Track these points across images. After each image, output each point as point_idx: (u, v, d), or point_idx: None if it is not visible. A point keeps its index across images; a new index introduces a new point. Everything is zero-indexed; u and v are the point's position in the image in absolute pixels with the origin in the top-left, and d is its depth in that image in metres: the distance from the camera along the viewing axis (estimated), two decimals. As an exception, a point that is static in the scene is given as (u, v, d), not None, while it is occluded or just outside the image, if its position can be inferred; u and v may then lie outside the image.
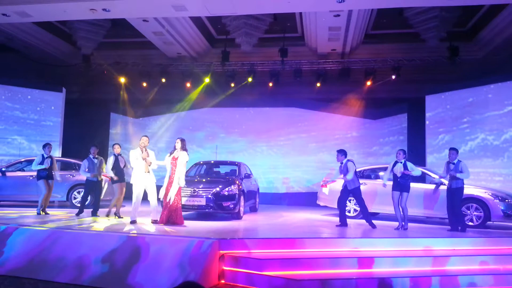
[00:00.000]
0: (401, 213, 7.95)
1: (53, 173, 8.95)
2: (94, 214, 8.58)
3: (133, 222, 7.57)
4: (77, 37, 12.75)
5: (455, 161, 7.89)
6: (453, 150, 8.03)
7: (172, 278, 5.13)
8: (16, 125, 12.93)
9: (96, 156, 8.83)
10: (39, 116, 13.32)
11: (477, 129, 11.57)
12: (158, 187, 7.89)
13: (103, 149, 11.83)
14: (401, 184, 7.90)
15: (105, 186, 9.92)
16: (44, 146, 8.97)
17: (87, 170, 8.73)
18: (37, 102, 13.33)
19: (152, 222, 7.69)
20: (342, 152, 8.41)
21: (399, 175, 7.89)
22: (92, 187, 8.79)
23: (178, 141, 7.76)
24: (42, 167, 8.70)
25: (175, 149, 7.76)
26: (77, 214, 8.67)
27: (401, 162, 7.95)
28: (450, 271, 5.68)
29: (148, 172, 7.77)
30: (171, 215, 7.56)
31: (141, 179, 7.69)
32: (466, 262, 5.94)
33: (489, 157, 11.13)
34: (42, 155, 8.81)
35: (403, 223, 7.89)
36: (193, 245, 5.55)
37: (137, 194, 7.69)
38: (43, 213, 8.67)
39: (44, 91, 13.45)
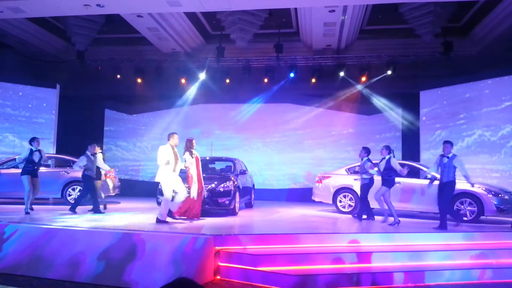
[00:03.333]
0: (385, 208, 8.15)
1: (48, 163, 9.05)
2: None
3: (164, 222, 7.26)
4: (71, 33, 12.64)
5: (450, 155, 7.69)
6: (448, 144, 7.80)
7: (167, 274, 5.13)
8: (8, 122, 12.80)
9: (95, 152, 8.94)
10: (30, 113, 13.19)
11: (474, 125, 11.57)
12: None
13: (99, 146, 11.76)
14: (383, 179, 8.13)
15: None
16: (32, 140, 8.70)
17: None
18: (28, 98, 13.20)
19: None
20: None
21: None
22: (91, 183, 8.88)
23: (194, 141, 8.04)
24: (23, 158, 8.48)
25: (191, 148, 7.95)
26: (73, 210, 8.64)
27: (385, 158, 8.16)
28: (444, 265, 5.72)
29: (175, 171, 7.50)
30: (191, 209, 7.80)
31: (172, 178, 7.38)
32: (460, 257, 5.99)
33: (486, 153, 11.12)
34: (31, 149, 8.56)
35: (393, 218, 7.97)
36: (189, 242, 5.55)
37: (169, 193, 7.33)
38: (30, 212, 8.36)
39: (36, 88, 13.29)
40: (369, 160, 8.61)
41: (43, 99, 13.43)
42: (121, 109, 15.72)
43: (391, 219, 8.02)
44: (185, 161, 7.83)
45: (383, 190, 8.08)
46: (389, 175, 8.07)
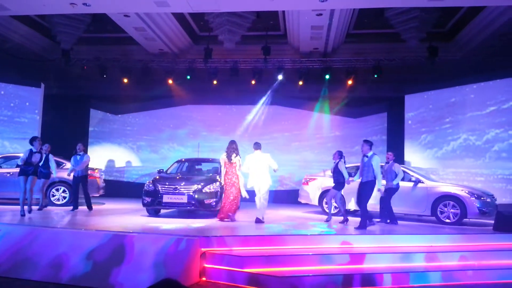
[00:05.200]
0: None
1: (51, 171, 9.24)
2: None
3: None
4: (56, 31, 12.46)
5: (369, 154, 7.73)
6: (364, 143, 7.90)
7: (152, 276, 5.09)
8: (-12, 122, 12.57)
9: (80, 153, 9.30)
10: (12, 112, 12.92)
11: (459, 129, 11.74)
12: None
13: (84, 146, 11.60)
14: (334, 182, 8.76)
15: None
16: (33, 140, 8.19)
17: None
18: (10, 97, 12.94)
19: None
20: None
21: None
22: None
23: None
24: (22, 159, 7.91)
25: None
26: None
27: (336, 162, 8.73)
28: (427, 267, 5.80)
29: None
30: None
31: None
32: (443, 258, 6.07)
33: (471, 157, 11.30)
34: (30, 150, 8.03)
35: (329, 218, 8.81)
36: (174, 243, 5.51)
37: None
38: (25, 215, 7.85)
39: (18, 86, 13.03)
40: (395, 161, 8.84)
41: (26, 98, 13.19)
42: (106, 109, 15.56)
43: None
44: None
45: (333, 192, 8.68)
46: (337, 179, 8.61)
